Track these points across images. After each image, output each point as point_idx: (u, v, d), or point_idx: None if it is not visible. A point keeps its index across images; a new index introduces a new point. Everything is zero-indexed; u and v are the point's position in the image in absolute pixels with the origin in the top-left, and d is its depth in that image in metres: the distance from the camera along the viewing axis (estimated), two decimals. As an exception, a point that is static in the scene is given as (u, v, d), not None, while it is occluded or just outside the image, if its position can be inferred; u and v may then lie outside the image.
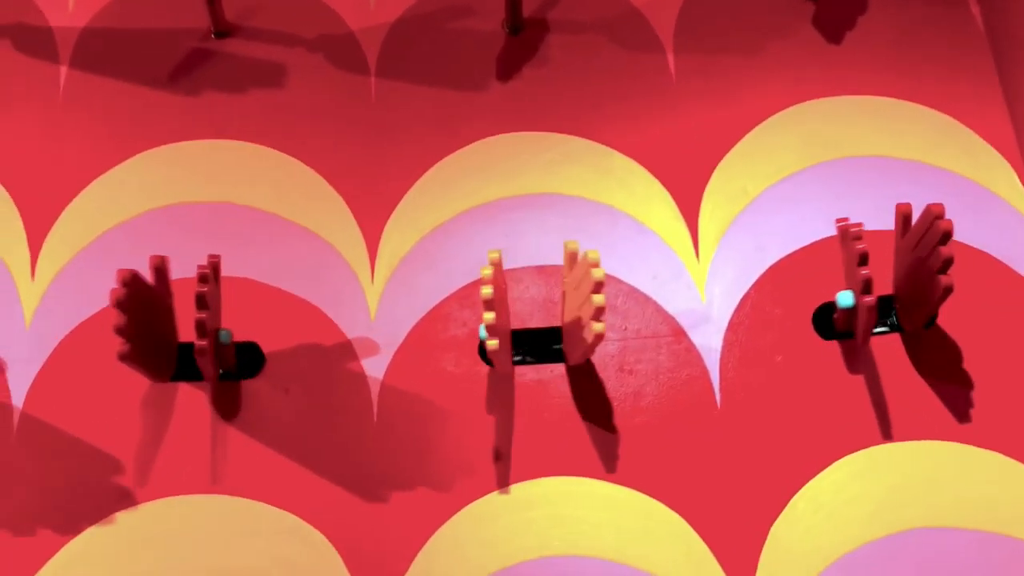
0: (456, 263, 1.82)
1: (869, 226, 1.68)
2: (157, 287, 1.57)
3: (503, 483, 1.70)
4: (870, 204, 1.80)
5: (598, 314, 1.48)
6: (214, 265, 1.55)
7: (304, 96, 1.93)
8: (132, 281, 1.47)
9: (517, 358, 1.72)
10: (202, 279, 1.52)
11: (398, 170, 1.89)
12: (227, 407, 1.72)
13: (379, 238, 1.85)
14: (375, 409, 1.73)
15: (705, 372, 1.76)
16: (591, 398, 1.74)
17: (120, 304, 1.44)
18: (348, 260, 1.82)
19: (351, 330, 1.79)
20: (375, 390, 1.74)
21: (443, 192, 1.87)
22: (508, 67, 2.00)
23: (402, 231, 1.85)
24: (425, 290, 1.81)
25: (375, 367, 1.76)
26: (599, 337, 1.49)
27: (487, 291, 1.48)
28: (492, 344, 1.51)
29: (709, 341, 1.78)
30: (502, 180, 1.89)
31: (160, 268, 1.56)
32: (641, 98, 1.94)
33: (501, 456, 1.65)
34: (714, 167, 1.90)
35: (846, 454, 1.69)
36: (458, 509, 1.68)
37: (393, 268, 1.83)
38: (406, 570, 1.65)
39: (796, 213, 1.83)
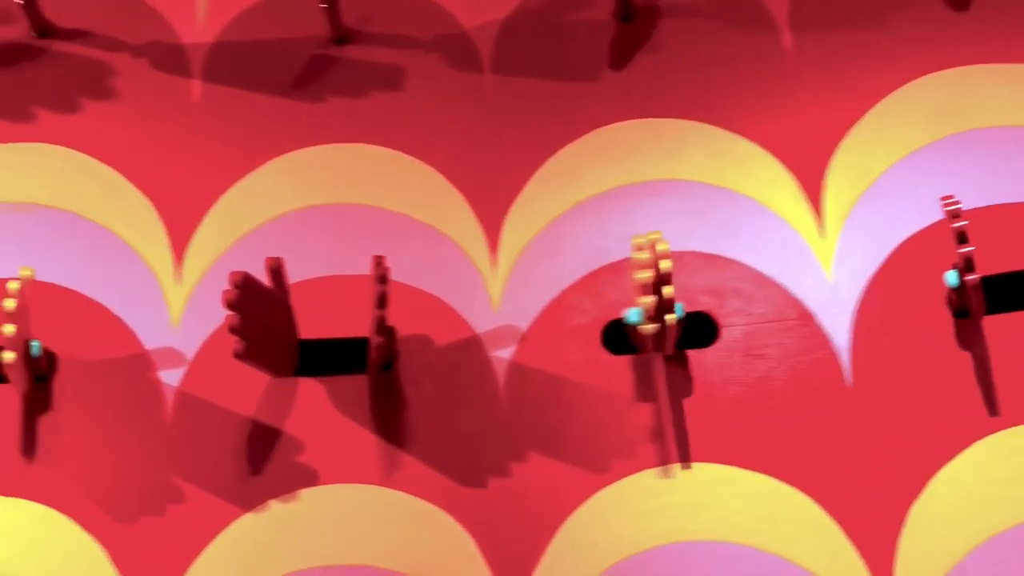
0: (577, 253, 1.74)
1: (998, 199, 1.55)
2: (275, 287, 1.54)
3: (633, 471, 1.61)
4: (1003, 176, 1.62)
5: (669, 306, 1.43)
6: (383, 265, 1.55)
7: (422, 96, 1.87)
8: (244, 283, 1.45)
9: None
10: (381, 279, 1.51)
11: (516, 163, 1.81)
12: (377, 399, 1.67)
13: (499, 231, 1.76)
14: (503, 398, 1.65)
15: (834, 354, 1.64)
16: (717, 384, 1.63)
17: (232, 305, 1.42)
18: (470, 255, 1.75)
19: (476, 322, 1.72)
20: (502, 379, 1.66)
21: (561, 183, 1.78)
22: (621, 55, 1.90)
23: (522, 223, 1.77)
24: (547, 280, 1.73)
25: (501, 357, 1.68)
26: (672, 329, 1.46)
27: (645, 275, 1.41)
28: (649, 328, 1.45)
29: (837, 322, 1.64)
30: (620, 168, 1.79)
31: (276, 269, 1.54)
32: (758, 79, 1.82)
33: None
34: (836, 145, 1.76)
35: (986, 435, 1.56)
36: (589, 496, 1.60)
37: (514, 260, 1.74)
38: (541, 555, 1.58)
39: (925, 188, 1.69)
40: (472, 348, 1.69)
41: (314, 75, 1.91)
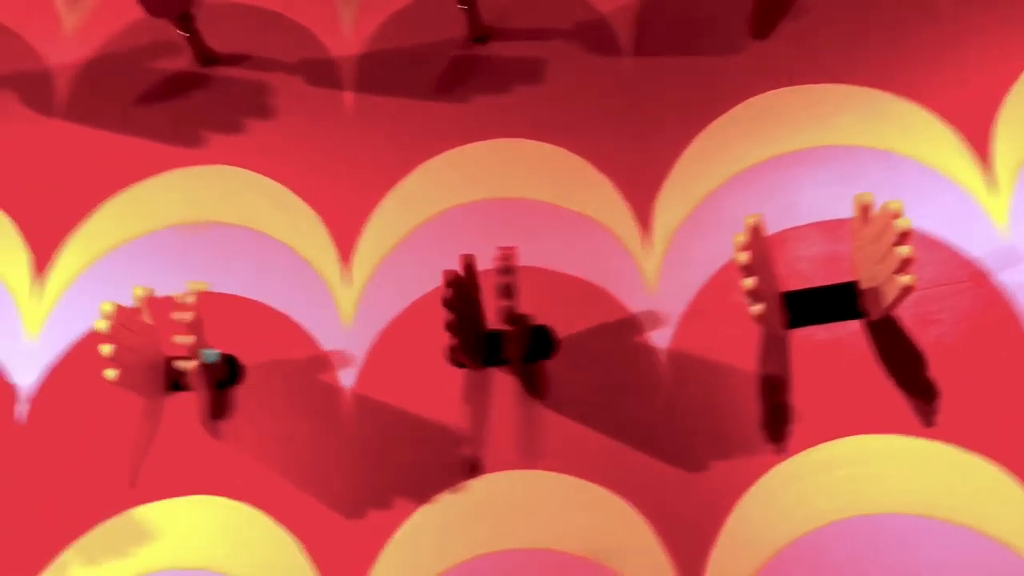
0: (733, 228, 1.58)
1: None
2: (470, 281, 1.50)
3: (807, 445, 1.48)
4: None
5: (904, 266, 1.26)
6: (510, 256, 1.47)
7: (564, 85, 1.77)
8: (456, 281, 1.40)
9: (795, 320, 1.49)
10: (505, 270, 1.44)
11: (662, 144, 1.69)
12: (530, 390, 1.58)
13: (651, 213, 1.65)
14: (665, 378, 1.55)
15: (1013, 315, 1.46)
16: (890, 352, 1.49)
17: (449, 304, 1.38)
18: (622, 238, 1.64)
19: (634, 304, 1.61)
20: (663, 360, 1.56)
21: (712, 158, 1.65)
22: (764, 24, 1.75)
23: (674, 203, 1.65)
24: (703, 258, 1.61)
25: (660, 339, 1.57)
26: (907, 290, 1.27)
27: (742, 257, 1.29)
28: (757, 309, 1.31)
29: (1017, 280, 1.45)
30: (771, 138, 1.65)
31: (470, 265, 1.48)
32: (911, 36, 1.65)
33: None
34: (1002, 98, 1.58)
35: None
36: (763, 473, 1.48)
37: (669, 240, 1.63)
38: (717, 535, 1.47)
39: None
40: (631, 331, 1.59)
41: (458, 75, 1.83)
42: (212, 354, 1.54)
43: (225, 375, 1.61)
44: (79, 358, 1.64)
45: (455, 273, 1.40)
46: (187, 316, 1.44)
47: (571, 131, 1.73)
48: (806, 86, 1.66)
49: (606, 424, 1.54)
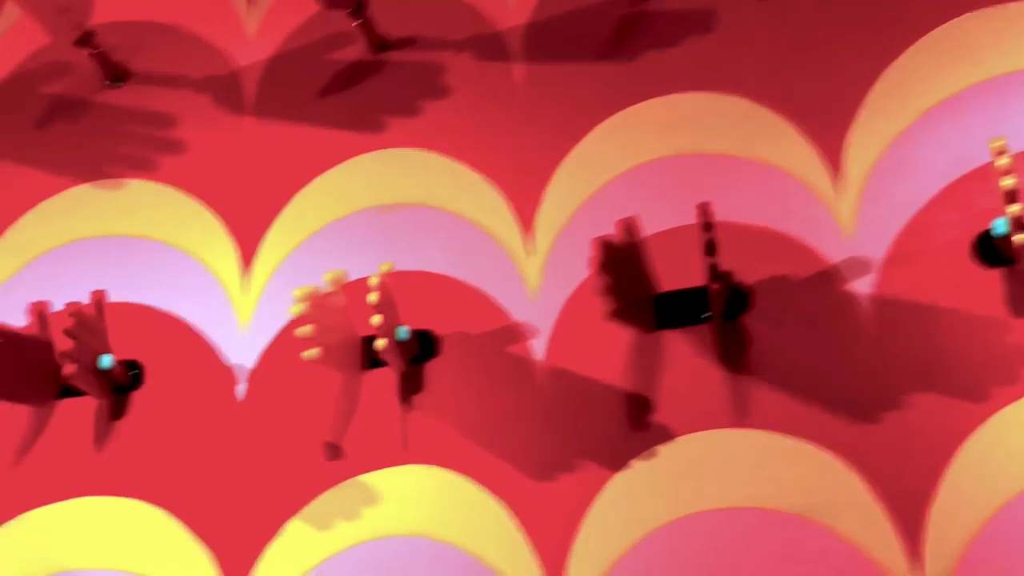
0: (933, 164, 1.43)
1: None
2: (630, 245, 1.39)
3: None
4: None
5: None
6: (708, 212, 1.36)
7: (733, 33, 1.62)
8: (607, 246, 1.31)
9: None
10: (705, 226, 1.34)
11: (848, 83, 1.52)
12: (727, 348, 1.46)
13: (840, 154, 1.49)
14: (867, 328, 1.39)
15: None
16: None
17: (601, 268, 1.30)
18: (813, 185, 1.49)
19: (830, 252, 1.45)
20: (864, 309, 1.40)
21: (910, 91, 1.48)
22: None
23: (866, 143, 1.49)
24: (902, 199, 1.44)
25: (861, 285, 1.42)
26: None
27: (1008, 182, 1.15)
28: (1021, 238, 1.17)
29: None
30: (964, 68, 1.46)
31: (631, 227, 1.38)
32: None
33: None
34: None
35: None
36: (978, 425, 1.31)
37: (863, 182, 1.47)
38: (935, 491, 1.31)
39: None
40: (828, 280, 1.44)
41: (626, 35, 1.71)
42: (403, 331, 1.49)
43: (418, 350, 1.55)
44: (287, 342, 1.60)
45: (605, 239, 1.32)
46: (376, 297, 1.40)
47: (748, 79, 1.59)
48: (998, 6, 1.47)
49: (807, 379, 1.41)
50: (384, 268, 1.47)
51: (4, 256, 1.70)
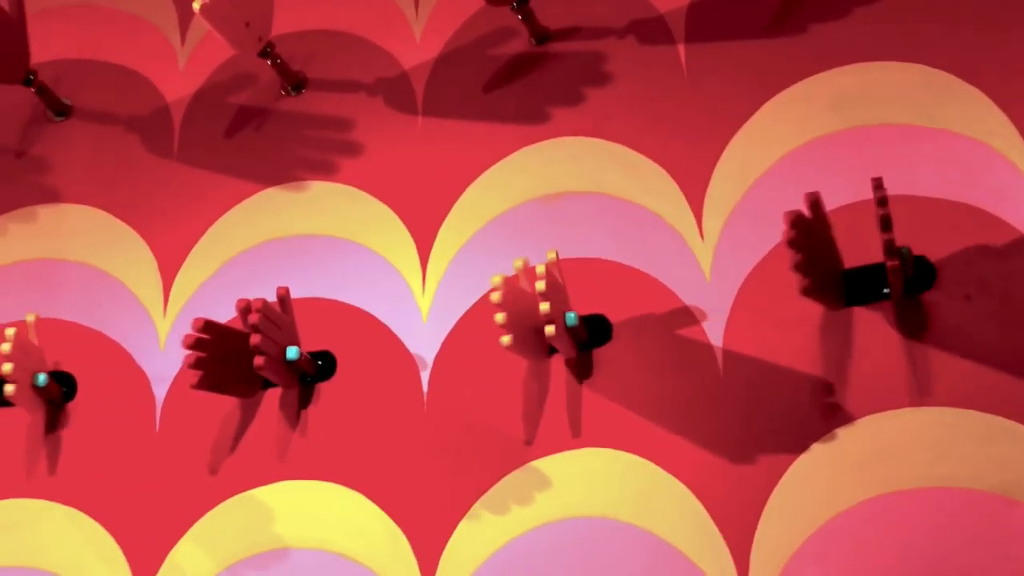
0: None
1: None
2: (817, 219, 1.35)
3: None
4: None
5: None
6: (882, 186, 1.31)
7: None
8: (800, 221, 1.28)
9: None
10: (880, 201, 1.30)
11: None
12: (908, 325, 1.41)
13: None
14: None
15: None
16: None
17: (794, 244, 1.27)
18: (1004, 152, 1.41)
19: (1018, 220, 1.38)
20: None
21: None
22: None
23: None
24: None
25: None
26: None
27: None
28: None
29: None
30: None
31: (816, 202, 1.33)
32: None
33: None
34: None
35: None
36: None
37: None
38: None
39: None
40: (1017, 251, 1.38)
41: (790, 9, 1.68)
42: (572, 317, 1.50)
43: (586, 337, 1.56)
44: (465, 332, 1.64)
45: (798, 212, 1.28)
46: (544, 285, 1.41)
47: (928, 47, 1.53)
48: None
49: (998, 354, 1.34)
50: (550, 256, 1.47)
51: (204, 257, 1.82)
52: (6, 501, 1.62)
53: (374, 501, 1.56)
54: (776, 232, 1.49)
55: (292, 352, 1.55)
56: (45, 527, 1.61)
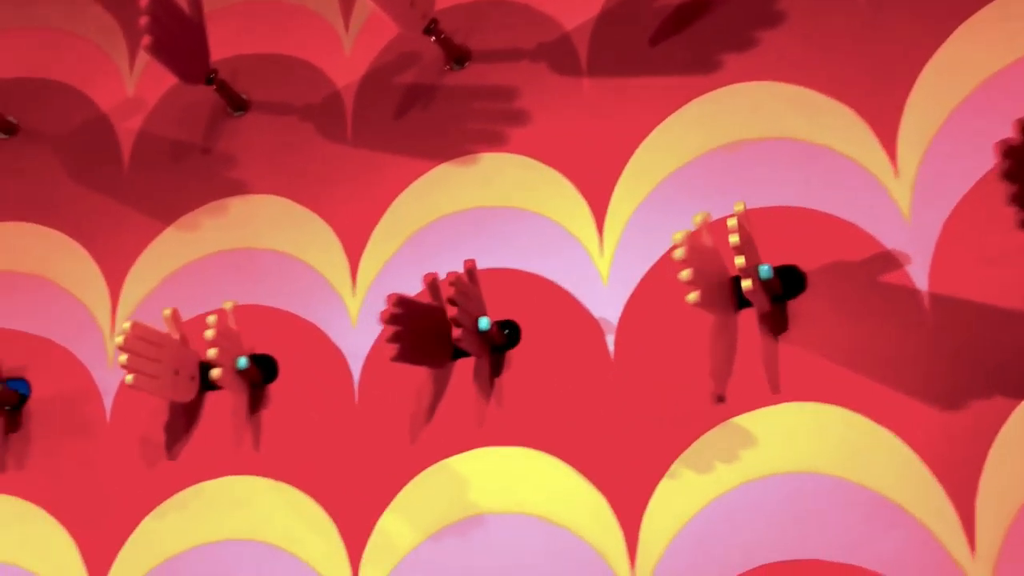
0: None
1: None
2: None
3: None
4: None
5: None
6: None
7: None
8: (1014, 150, 1.19)
9: None
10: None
11: None
12: None
13: None
14: None
15: None
16: None
17: (1007, 174, 1.20)
18: None
19: None
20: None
21: None
22: None
23: None
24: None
25: None
26: None
27: None
28: None
29: None
30: None
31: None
32: None
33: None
34: None
35: None
36: None
37: None
38: None
39: None
40: None
41: None
42: (766, 269, 1.47)
43: (781, 289, 1.52)
44: (647, 292, 1.63)
45: (1011, 141, 1.19)
46: (737, 238, 1.38)
47: None
48: None
49: None
50: (738, 208, 1.43)
51: (386, 236, 1.86)
52: (224, 479, 1.69)
53: (571, 464, 1.57)
54: (979, 164, 1.39)
55: (483, 323, 1.57)
56: (259, 502, 1.67)
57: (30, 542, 1.70)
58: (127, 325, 1.61)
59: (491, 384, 1.63)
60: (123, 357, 1.58)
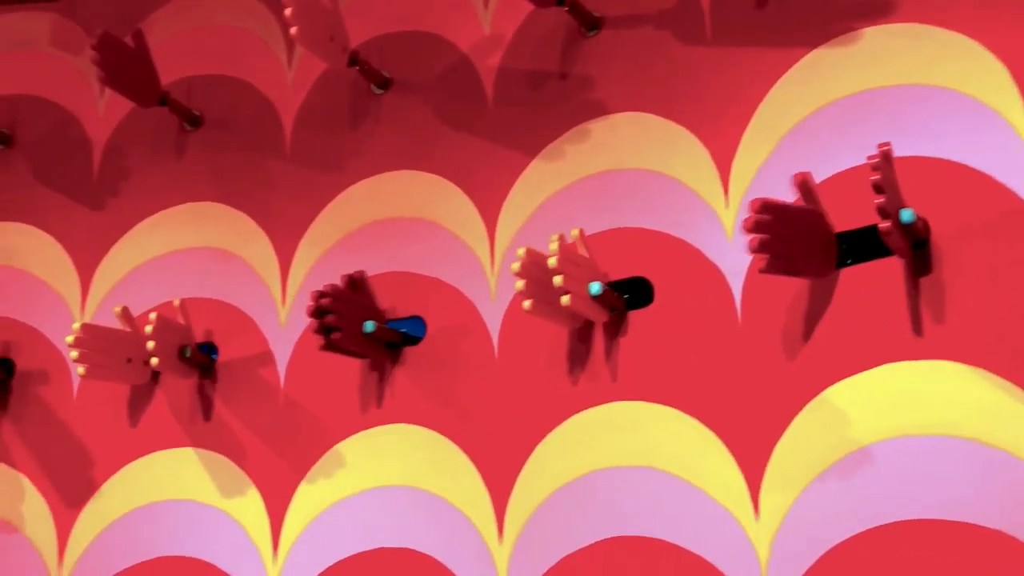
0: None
1: None
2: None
3: None
4: None
5: None
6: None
7: None
8: None
9: None
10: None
11: None
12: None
13: None
14: None
15: None
16: None
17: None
18: None
19: None
20: None
21: None
22: None
23: None
24: None
25: None
26: None
27: None
28: None
29: None
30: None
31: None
32: None
33: None
34: None
35: None
36: None
37: None
38: None
39: None
40: None
41: None
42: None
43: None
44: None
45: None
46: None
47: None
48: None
49: None
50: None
51: (756, 142, 1.72)
52: (623, 403, 1.68)
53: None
54: None
55: (906, 215, 1.46)
56: (652, 428, 1.63)
57: (438, 466, 1.79)
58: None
59: (915, 286, 1.50)
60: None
